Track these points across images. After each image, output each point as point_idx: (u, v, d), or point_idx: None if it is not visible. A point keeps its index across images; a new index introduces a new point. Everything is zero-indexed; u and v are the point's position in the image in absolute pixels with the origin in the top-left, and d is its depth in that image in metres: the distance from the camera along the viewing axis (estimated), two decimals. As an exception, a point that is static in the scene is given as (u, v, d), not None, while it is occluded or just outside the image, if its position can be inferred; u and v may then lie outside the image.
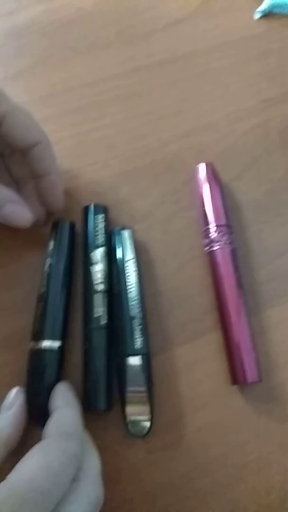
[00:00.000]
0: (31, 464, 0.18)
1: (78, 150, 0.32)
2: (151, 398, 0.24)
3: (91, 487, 0.19)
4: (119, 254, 0.27)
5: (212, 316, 0.27)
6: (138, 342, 0.25)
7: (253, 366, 0.25)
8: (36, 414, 0.24)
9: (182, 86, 0.34)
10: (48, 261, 0.27)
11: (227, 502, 0.24)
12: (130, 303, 0.25)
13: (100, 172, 0.31)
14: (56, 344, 0.25)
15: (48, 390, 0.24)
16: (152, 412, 0.24)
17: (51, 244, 0.27)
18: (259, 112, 0.33)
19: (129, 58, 0.35)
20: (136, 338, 0.25)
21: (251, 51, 0.36)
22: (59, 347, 0.25)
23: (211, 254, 0.28)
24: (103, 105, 0.33)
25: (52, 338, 0.25)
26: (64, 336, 0.25)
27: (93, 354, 0.25)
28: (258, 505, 0.24)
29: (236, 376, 0.25)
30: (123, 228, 0.28)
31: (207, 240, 0.28)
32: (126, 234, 0.28)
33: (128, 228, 0.28)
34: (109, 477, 0.24)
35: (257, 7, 0.37)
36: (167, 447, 0.25)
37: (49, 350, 0.24)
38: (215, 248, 0.28)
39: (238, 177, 0.31)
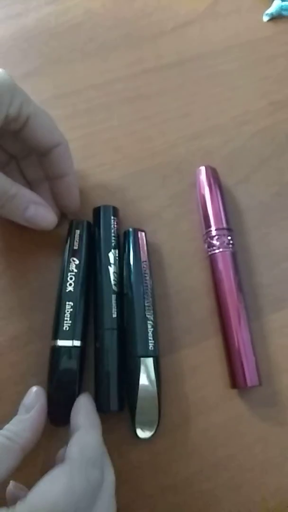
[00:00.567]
0: (54, 488, 0.18)
1: (85, 152, 0.32)
2: (160, 401, 0.24)
3: (105, 506, 0.19)
4: (133, 255, 0.27)
5: (216, 320, 0.27)
6: (151, 344, 0.25)
7: (253, 370, 0.25)
8: (56, 414, 0.24)
9: (190, 89, 0.34)
10: (74, 260, 0.26)
11: (231, 505, 0.24)
12: (146, 305, 0.25)
13: (107, 173, 0.32)
14: (80, 343, 0.25)
15: (72, 391, 0.24)
16: (160, 414, 0.24)
17: (76, 244, 0.27)
18: (267, 115, 0.33)
19: (137, 60, 0.35)
20: (149, 340, 0.25)
21: (259, 54, 0.36)
22: (82, 347, 0.25)
23: (211, 258, 0.28)
24: (111, 107, 0.34)
25: (77, 338, 0.25)
26: (85, 336, 0.25)
27: (106, 355, 0.25)
28: (262, 509, 0.24)
29: (235, 379, 0.25)
30: (138, 230, 0.28)
31: (207, 244, 0.28)
32: (141, 236, 0.28)
33: (143, 230, 0.28)
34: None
35: (266, 9, 0.37)
36: (171, 450, 0.25)
37: (74, 349, 0.24)
38: (215, 252, 0.28)
39: (245, 180, 0.31)
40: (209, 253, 0.28)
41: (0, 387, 0.26)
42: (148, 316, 0.25)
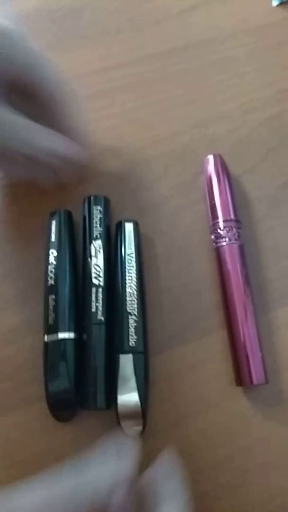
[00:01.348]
0: None
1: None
2: (143, 398, 0.23)
3: None
4: (119, 247, 0.26)
5: (219, 314, 0.26)
6: (133, 340, 0.24)
7: (259, 367, 0.24)
8: (57, 408, 0.24)
9: (195, 75, 0.33)
10: (52, 252, 0.26)
11: (231, 506, 0.23)
12: (128, 299, 0.25)
13: (107, 162, 0.30)
14: (67, 336, 0.24)
15: (70, 384, 0.23)
16: (144, 412, 0.23)
17: (53, 235, 0.26)
18: (274, 103, 0.32)
19: (140, 45, 0.34)
20: (131, 336, 0.24)
21: (268, 40, 0.35)
22: (76, 339, 0.24)
23: (218, 250, 0.27)
24: (113, 93, 0.32)
25: (63, 330, 0.24)
26: (79, 328, 0.25)
27: (92, 350, 0.24)
28: (262, 510, 0.23)
29: (241, 377, 0.24)
30: (125, 221, 0.27)
31: (214, 236, 0.27)
32: (127, 227, 0.27)
33: (132, 220, 0.27)
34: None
35: (275, -7, 0.36)
36: (170, 448, 0.24)
37: (62, 342, 0.24)
38: (222, 244, 0.26)
39: (251, 170, 0.30)
40: (217, 245, 0.27)
41: (-6, 381, 0.25)
42: (130, 310, 0.24)
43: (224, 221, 0.27)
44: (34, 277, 0.27)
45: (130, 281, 0.25)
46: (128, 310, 0.24)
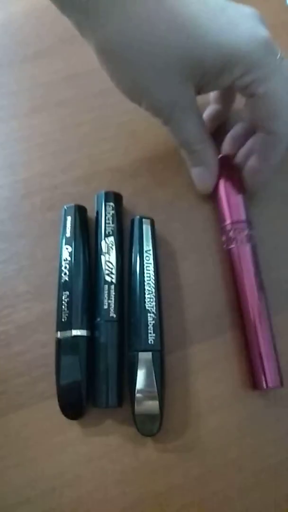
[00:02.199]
0: None
1: (98, 135, 0.31)
2: (161, 397, 0.23)
3: None
4: (136, 244, 0.26)
5: (232, 314, 0.26)
6: (151, 338, 0.24)
7: (274, 370, 0.24)
8: (68, 406, 0.23)
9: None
10: (67, 248, 0.26)
11: (242, 507, 0.23)
12: (147, 296, 0.24)
13: (120, 158, 0.30)
14: (80, 333, 0.24)
15: (81, 381, 0.23)
16: (162, 411, 0.23)
17: (68, 231, 0.26)
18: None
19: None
20: (149, 333, 0.24)
21: (282, 39, 0.34)
22: (88, 336, 0.24)
23: (229, 252, 0.26)
24: (126, 89, 0.32)
25: (76, 327, 0.24)
26: (91, 326, 0.25)
27: (104, 348, 0.24)
28: (274, 511, 0.23)
29: (256, 381, 0.24)
30: (143, 218, 0.27)
31: (224, 237, 0.27)
32: (145, 224, 0.27)
33: (148, 218, 0.27)
34: (122, 476, 0.23)
35: (290, -9, 0.35)
36: (181, 448, 0.24)
37: (74, 339, 0.24)
38: (233, 246, 0.26)
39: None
40: (229, 246, 0.26)
41: (5, 377, 0.25)
42: (148, 308, 0.24)
43: (236, 222, 0.27)
44: (46, 273, 0.27)
45: (148, 278, 0.25)
46: (147, 308, 0.24)
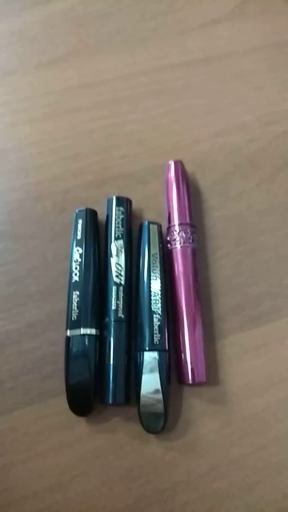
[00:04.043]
0: None
1: (108, 142, 0.32)
2: (166, 396, 0.24)
3: None
4: (144, 248, 0.27)
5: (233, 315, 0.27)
6: (157, 338, 0.24)
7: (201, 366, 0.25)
8: (76, 403, 0.24)
9: (216, 86, 0.34)
10: (78, 249, 0.26)
11: (244, 504, 0.24)
12: (153, 298, 0.25)
13: (129, 165, 0.31)
14: (89, 332, 0.25)
15: (90, 378, 0.24)
16: (166, 409, 0.24)
17: (78, 233, 0.27)
18: (292, 117, 0.33)
19: (163, 54, 0.35)
20: (155, 334, 0.25)
21: (287, 56, 0.36)
22: (97, 335, 0.25)
23: (171, 252, 0.27)
24: (136, 99, 0.33)
25: (86, 326, 0.25)
26: (100, 325, 0.25)
27: (112, 346, 0.24)
28: (274, 510, 0.24)
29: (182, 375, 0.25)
30: (150, 223, 0.28)
31: (168, 238, 0.28)
32: (152, 228, 0.28)
33: (156, 222, 0.28)
34: (127, 472, 0.24)
35: (294, 12, 0.37)
36: (184, 446, 0.25)
37: (84, 338, 0.24)
38: (175, 247, 0.27)
39: (268, 180, 0.31)
40: (170, 247, 0.28)
41: (15, 375, 0.26)
42: (154, 309, 0.25)
43: (180, 224, 0.28)
44: (56, 273, 0.28)
45: (155, 280, 0.26)
46: (153, 309, 0.25)
